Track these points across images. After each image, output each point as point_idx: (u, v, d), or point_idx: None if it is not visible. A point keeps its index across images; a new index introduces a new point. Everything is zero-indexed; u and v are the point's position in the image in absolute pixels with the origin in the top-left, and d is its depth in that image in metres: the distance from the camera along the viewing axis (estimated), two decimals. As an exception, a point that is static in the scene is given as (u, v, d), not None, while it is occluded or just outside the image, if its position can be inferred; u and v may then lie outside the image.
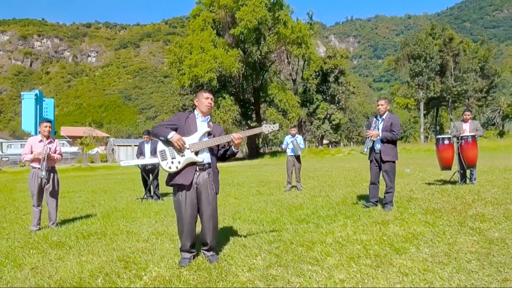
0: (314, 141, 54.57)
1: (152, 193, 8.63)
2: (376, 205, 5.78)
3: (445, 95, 53.15)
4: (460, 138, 7.83)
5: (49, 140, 5.56)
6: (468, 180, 7.97)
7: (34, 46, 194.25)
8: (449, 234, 3.97)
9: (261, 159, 33.33)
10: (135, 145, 57.20)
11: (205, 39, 32.81)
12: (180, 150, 3.40)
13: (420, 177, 9.91)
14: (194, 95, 34.36)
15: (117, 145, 56.31)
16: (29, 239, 4.84)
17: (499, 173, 9.65)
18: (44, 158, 5.31)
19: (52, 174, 5.55)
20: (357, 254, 3.44)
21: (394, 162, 5.66)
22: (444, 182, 8.48)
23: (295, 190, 8.61)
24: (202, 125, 3.57)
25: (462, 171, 7.94)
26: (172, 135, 3.36)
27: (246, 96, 37.39)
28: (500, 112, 61.71)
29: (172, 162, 3.41)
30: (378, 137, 5.65)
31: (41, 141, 5.50)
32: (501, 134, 46.57)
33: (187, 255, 3.44)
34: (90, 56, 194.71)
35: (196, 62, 31.28)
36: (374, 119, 5.91)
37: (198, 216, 3.52)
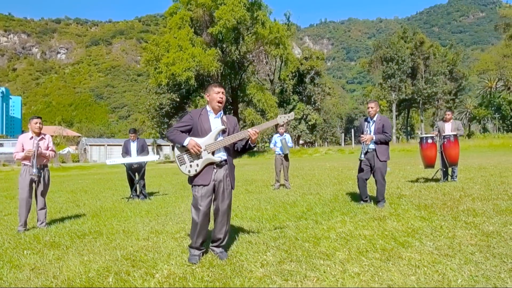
0: (290, 141, 55.08)
1: (138, 193, 8.44)
2: (368, 201, 5.89)
3: (416, 97, 54.84)
4: (443, 137, 8.11)
5: (40, 137, 5.36)
6: (449, 178, 8.27)
7: (0, 42, 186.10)
8: (446, 228, 4.11)
9: (238, 158, 33.25)
10: (108, 145, 55.88)
11: (183, 38, 32.45)
12: (198, 154, 3.38)
13: (402, 176, 10.18)
14: (172, 93, 33.99)
15: (90, 145, 54.80)
16: (20, 239, 4.64)
17: (475, 171, 10.05)
18: (34, 155, 5.11)
19: (43, 173, 5.34)
20: (365, 248, 3.50)
21: (386, 161, 5.79)
22: (426, 179, 8.76)
23: (284, 188, 8.66)
24: (216, 122, 3.52)
25: (444, 169, 8.23)
26: (188, 142, 3.36)
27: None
28: (467, 114, 64.38)
29: (191, 166, 3.41)
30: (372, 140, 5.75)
31: (31, 138, 5.29)
32: (469, 135, 48.49)
33: (197, 252, 3.41)
34: (60, 53, 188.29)
35: (173, 60, 30.88)
36: (366, 122, 5.99)
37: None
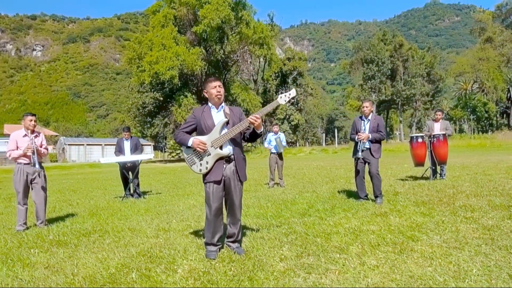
0: (273, 141, 55.25)
1: (132, 192, 8.36)
2: (367, 199, 6.03)
3: (395, 98, 56.02)
4: (432, 136, 8.36)
5: (34, 134, 5.26)
6: (438, 176, 8.54)
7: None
8: (448, 223, 4.27)
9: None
10: (87, 144, 54.70)
11: (166, 36, 32.09)
12: (205, 151, 3.40)
13: (390, 174, 10.43)
14: (155, 92, 33.63)
15: (68, 144, 53.46)
16: (22, 238, 4.54)
17: (459, 170, 10.39)
18: (34, 151, 5.02)
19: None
20: (376, 242, 3.61)
21: (379, 158, 5.98)
22: (415, 178, 9.01)
23: (278, 187, 8.74)
24: (219, 116, 3.54)
25: (433, 167, 8.49)
26: (192, 142, 3.39)
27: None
28: (444, 116, 66.21)
29: (201, 164, 3.45)
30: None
31: (25, 135, 5.18)
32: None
33: (213, 248, 3.44)
34: (36, 50, 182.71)
35: (157, 59, 30.49)
36: (361, 121, 6.15)
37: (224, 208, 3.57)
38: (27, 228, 5.17)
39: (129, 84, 39.07)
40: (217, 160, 3.45)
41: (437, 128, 8.68)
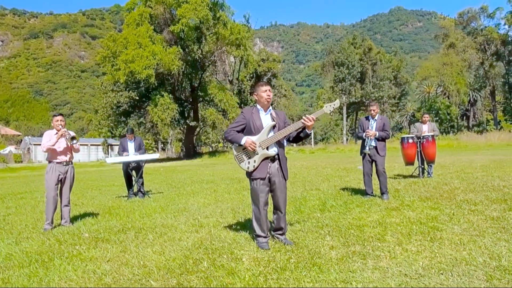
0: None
1: (136, 191, 8.41)
2: (374, 195, 6.49)
3: (364, 101, 57.97)
4: (422, 137, 8.98)
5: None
6: (426, 174, 9.18)
7: None
8: (458, 215, 4.74)
9: (200, 159, 33.17)
10: (55, 144, 52.82)
11: (142, 35, 31.66)
12: (254, 151, 3.70)
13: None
14: (130, 92, 33.11)
15: (34, 144, 51.43)
16: (57, 237, 4.61)
17: (440, 169, 11.07)
18: (67, 133, 5.19)
19: (70, 169, 5.34)
20: (406, 232, 4.01)
21: (384, 156, 6.50)
22: (405, 176, 9.61)
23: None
24: (267, 118, 3.87)
25: (422, 166, 9.11)
26: (245, 141, 3.70)
27: (184, 94, 36.89)
28: (408, 117, 69.09)
29: (249, 162, 3.77)
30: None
31: (57, 133, 5.28)
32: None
33: (264, 239, 3.73)
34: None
35: (133, 57, 30.06)
36: (367, 121, 6.68)
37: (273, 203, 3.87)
38: (54, 227, 5.22)
39: (102, 82, 38.15)
40: (263, 160, 3.76)
41: (425, 130, 9.33)
